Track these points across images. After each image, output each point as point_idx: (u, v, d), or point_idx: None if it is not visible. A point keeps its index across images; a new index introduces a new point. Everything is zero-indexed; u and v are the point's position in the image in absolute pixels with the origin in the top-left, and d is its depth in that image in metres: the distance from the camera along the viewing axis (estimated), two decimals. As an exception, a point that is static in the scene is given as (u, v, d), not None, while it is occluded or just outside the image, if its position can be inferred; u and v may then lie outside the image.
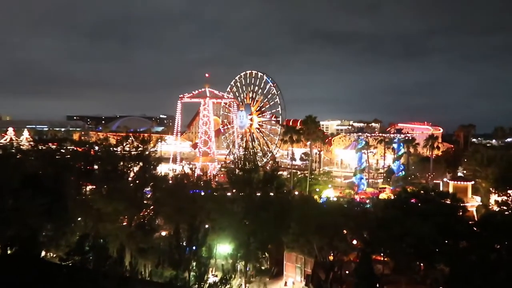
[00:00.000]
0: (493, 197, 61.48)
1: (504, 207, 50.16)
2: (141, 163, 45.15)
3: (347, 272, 39.41)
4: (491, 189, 62.73)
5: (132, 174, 44.83)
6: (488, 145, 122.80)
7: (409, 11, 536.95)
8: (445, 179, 71.15)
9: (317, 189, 70.23)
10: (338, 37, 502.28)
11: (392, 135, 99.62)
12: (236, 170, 49.30)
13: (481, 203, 62.43)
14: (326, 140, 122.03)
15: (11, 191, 31.48)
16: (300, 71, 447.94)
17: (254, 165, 49.41)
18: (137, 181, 43.80)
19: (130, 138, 49.87)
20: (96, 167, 48.24)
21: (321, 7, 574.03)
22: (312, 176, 78.80)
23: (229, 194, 49.01)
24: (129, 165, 44.87)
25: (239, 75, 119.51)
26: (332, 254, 39.53)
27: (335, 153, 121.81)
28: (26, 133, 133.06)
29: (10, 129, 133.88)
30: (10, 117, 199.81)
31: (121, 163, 44.68)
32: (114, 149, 48.03)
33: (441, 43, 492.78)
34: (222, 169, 77.45)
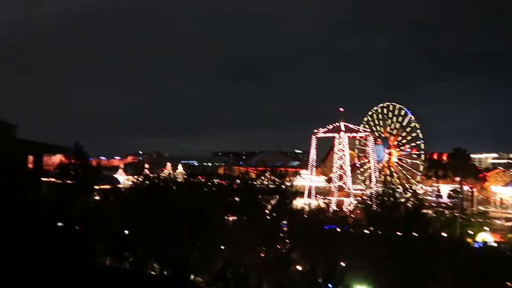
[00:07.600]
0: None
1: None
2: (277, 197, 46.45)
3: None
4: None
5: (269, 207, 46.35)
6: None
7: None
8: None
9: (470, 232, 61.61)
10: (484, 59, 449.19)
11: None
12: (374, 206, 47.20)
13: None
14: (479, 176, 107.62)
15: (167, 219, 34.83)
16: (444, 100, 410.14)
17: (394, 202, 46.72)
18: (274, 214, 45.02)
19: (268, 172, 52.16)
20: (237, 199, 51.38)
21: (451, 25, 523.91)
22: (464, 217, 69.84)
23: (366, 231, 46.77)
24: (267, 198, 46.57)
25: (375, 108, 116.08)
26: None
27: (491, 191, 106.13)
28: (180, 168, 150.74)
29: (168, 164, 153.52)
30: (168, 154, 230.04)
31: (260, 196, 46.67)
32: (253, 182, 50.65)
33: None
34: (359, 205, 74.71)
